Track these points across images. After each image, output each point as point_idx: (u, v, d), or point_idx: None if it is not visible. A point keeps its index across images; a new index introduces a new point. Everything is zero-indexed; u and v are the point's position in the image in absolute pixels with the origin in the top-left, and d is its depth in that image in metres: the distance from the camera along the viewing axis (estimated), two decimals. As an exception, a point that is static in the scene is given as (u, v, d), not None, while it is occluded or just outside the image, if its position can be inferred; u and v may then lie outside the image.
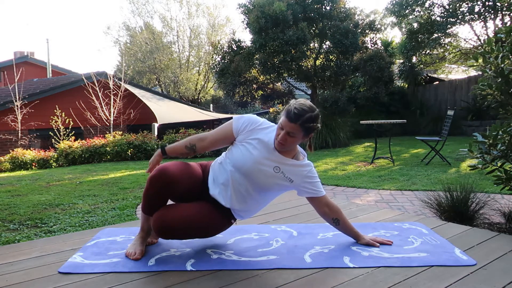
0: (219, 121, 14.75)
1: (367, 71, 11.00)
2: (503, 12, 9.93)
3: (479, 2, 10.13)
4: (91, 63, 53.46)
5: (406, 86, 13.39)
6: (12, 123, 10.22)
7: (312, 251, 1.98)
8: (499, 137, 2.56)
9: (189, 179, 1.91)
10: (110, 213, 3.76)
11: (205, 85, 20.67)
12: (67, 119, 10.00)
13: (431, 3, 11.09)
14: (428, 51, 12.10)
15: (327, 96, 10.58)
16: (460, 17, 10.53)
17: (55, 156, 8.59)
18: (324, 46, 12.25)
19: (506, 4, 9.52)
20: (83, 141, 9.00)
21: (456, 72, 14.72)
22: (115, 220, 3.48)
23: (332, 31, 11.18)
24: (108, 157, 8.69)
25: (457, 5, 10.42)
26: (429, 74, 13.63)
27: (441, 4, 11.06)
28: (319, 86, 12.32)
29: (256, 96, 14.85)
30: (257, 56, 11.57)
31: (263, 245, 2.09)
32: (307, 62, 12.08)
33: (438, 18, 11.00)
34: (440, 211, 3.12)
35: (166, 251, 2.00)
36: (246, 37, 38.16)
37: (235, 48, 12.32)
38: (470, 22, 10.74)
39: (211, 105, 18.12)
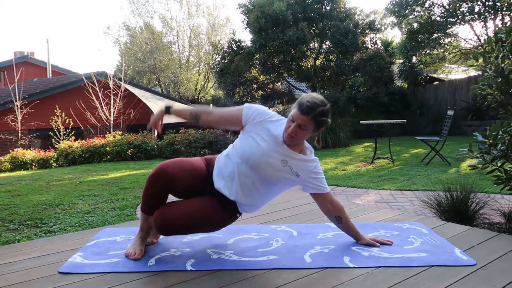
0: (219, 121, 14.73)
1: (367, 71, 11.00)
2: (503, 12, 9.93)
3: (479, 2, 10.13)
4: (91, 63, 53.47)
5: (406, 86, 13.39)
6: (12, 123, 10.22)
7: (312, 251, 1.98)
8: (499, 137, 2.56)
9: (189, 176, 1.89)
10: (110, 213, 3.76)
11: (205, 85, 20.67)
12: (67, 119, 10.00)
13: (431, 3, 11.09)
14: (428, 51, 12.10)
15: (327, 96, 10.58)
16: (460, 17, 10.53)
17: (55, 156, 8.59)
18: (324, 46, 12.26)
19: (506, 4, 9.52)
20: (83, 141, 9.00)
21: (456, 72, 14.73)
22: (115, 220, 3.48)
23: (332, 31, 11.19)
24: (108, 157, 8.69)
25: (457, 5, 10.42)
26: (429, 74, 13.64)
27: (441, 4, 11.06)
28: (319, 86, 12.32)
29: (256, 96, 14.84)
30: (257, 56, 11.57)
31: (263, 245, 2.09)
32: (307, 62, 12.09)
33: (438, 18, 11.00)
34: (440, 211, 3.12)
35: (166, 251, 2.00)
36: (246, 37, 38.16)
37: (235, 48, 12.32)
38: (470, 22, 10.75)
39: (211, 105, 18.10)
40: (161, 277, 1.72)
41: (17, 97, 10.18)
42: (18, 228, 3.30)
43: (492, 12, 10.04)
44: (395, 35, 26.73)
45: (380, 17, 13.46)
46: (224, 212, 1.94)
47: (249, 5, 11.58)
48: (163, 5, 33.17)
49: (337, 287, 1.61)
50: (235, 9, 26.87)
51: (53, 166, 8.35)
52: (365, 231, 2.17)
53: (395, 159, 6.97)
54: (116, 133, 9.73)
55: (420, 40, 11.43)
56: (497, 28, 10.02)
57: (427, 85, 12.89)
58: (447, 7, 10.85)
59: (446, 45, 12.06)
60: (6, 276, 1.73)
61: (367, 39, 12.20)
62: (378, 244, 2.04)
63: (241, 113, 1.91)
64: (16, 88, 10.25)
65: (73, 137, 9.40)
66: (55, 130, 9.87)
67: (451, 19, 10.57)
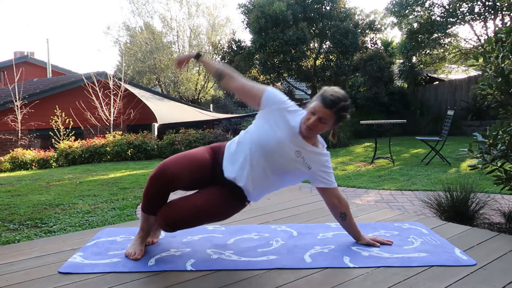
0: (219, 121, 14.76)
1: (367, 71, 11.00)
2: (503, 12, 9.93)
3: (479, 2, 10.13)
4: (91, 63, 53.47)
5: (406, 86, 13.39)
6: (12, 123, 10.22)
7: (312, 251, 1.98)
8: (499, 137, 2.56)
9: (192, 171, 1.86)
10: (110, 213, 3.76)
11: (205, 85, 20.67)
12: (67, 119, 10.00)
13: (431, 3, 11.09)
14: (428, 51, 12.09)
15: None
16: (460, 17, 10.53)
17: (55, 156, 8.59)
18: (324, 46, 12.26)
19: (506, 4, 9.52)
20: (83, 141, 9.00)
21: (456, 72, 14.72)
22: (115, 220, 3.48)
23: (332, 31, 11.19)
24: (108, 157, 8.69)
25: (457, 5, 10.42)
26: (429, 74, 13.63)
27: (441, 4, 11.06)
28: (319, 86, 12.32)
29: (256, 96, 14.78)
30: (257, 56, 11.57)
31: (263, 245, 2.09)
32: (307, 62, 12.09)
33: (438, 18, 11.00)
34: (440, 211, 3.12)
35: (166, 251, 2.00)
36: (246, 37, 38.15)
37: (235, 48, 12.33)
38: (470, 22, 10.75)
39: (211, 105, 18.11)
40: (161, 277, 1.72)
41: (17, 97, 10.18)
42: (18, 228, 3.30)
43: (492, 12, 10.04)
44: (395, 35, 26.76)
45: (380, 17, 13.46)
46: (232, 200, 1.93)
47: (249, 5, 11.58)
48: (163, 5, 33.19)
49: (337, 287, 1.61)
50: (235, 9, 26.88)
51: (53, 166, 8.35)
52: (365, 231, 2.17)
53: (395, 159, 6.97)
54: (116, 133, 9.73)
55: (420, 40, 11.43)
56: (497, 28, 10.02)
57: (427, 85, 12.89)
58: (447, 7, 10.85)
59: (446, 45, 12.05)
60: (6, 276, 1.73)
61: (367, 39, 12.20)
62: (378, 244, 2.04)
63: (262, 94, 1.90)
64: (16, 88, 10.25)
65: (73, 137, 9.40)
66: (55, 130, 9.87)
67: (451, 19, 10.57)
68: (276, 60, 11.18)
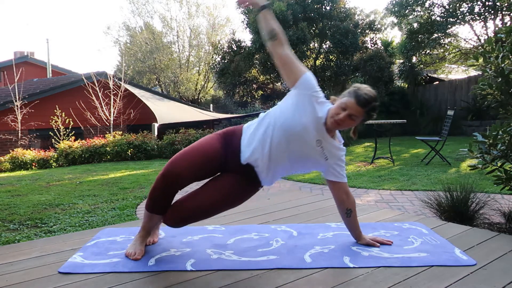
0: (219, 121, 14.76)
1: (367, 71, 11.01)
2: (503, 12, 9.93)
3: (479, 2, 10.13)
4: (91, 63, 53.45)
5: (406, 86, 13.40)
6: (12, 123, 10.21)
7: (312, 251, 1.98)
8: (499, 137, 2.56)
9: (199, 168, 1.85)
10: (110, 213, 3.76)
11: (205, 85, 20.67)
12: (67, 119, 9.99)
13: (431, 3, 11.09)
14: (428, 51, 12.10)
15: (327, 96, 10.59)
16: (460, 17, 10.53)
17: (55, 156, 8.59)
18: (324, 46, 12.27)
19: (506, 4, 9.52)
20: (83, 141, 9.00)
21: (456, 72, 14.72)
22: (115, 220, 3.48)
23: (332, 31, 11.19)
24: (108, 157, 8.69)
25: (457, 5, 10.42)
26: (429, 74, 13.63)
27: (441, 4, 11.06)
28: (319, 85, 12.33)
29: (256, 96, 14.86)
30: (257, 56, 11.58)
31: (263, 245, 2.09)
32: (307, 62, 12.09)
33: (438, 18, 11.00)
34: (440, 211, 3.12)
35: (166, 251, 2.00)
36: (246, 37, 38.13)
37: (235, 48, 12.33)
38: (470, 22, 10.75)
39: (211, 105, 18.12)
40: (161, 277, 1.72)
41: (17, 97, 10.18)
42: (18, 228, 3.30)
43: (492, 12, 10.04)
44: (395, 35, 26.75)
45: (380, 17, 13.47)
46: (245, 186, 1.92)
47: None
48: (163, 5, 33.17)
49: (337, 287, 1.61)
50: (235, 9, 26.86)
51: (53, 166, 8.35)
52: (365, 231, 2.17)
53: (395, 159, 6.97)
54: (116, 133, 9.73)
55: (420, 40, 11.43)
56: (497, 28, 10.02)
57: (427, 85, 12.89)
58: (447, 7, 10.85)
59: (446, 45, 12.05)
60: (6, 276, 1.73)
61: (367, 39, 12.21)
62: (378, 244, 2.04)
63: (302, 75, 1.87)
64: (16, 88, 10.25)
65: (73, 137, 9.40)
66: (55, 130, 9.87)
67: (451, 19, 10.57)
68: (276, 60, 11.17)
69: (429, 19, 11.10)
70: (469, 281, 1.63)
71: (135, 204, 4.10)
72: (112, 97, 10.60)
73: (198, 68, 20.66)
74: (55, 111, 10.16)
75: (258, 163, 1.86)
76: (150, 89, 15.69)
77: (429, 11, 11.22)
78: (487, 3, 9.98)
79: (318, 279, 1.69)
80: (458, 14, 10.51)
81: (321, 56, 12.16)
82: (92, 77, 10.85)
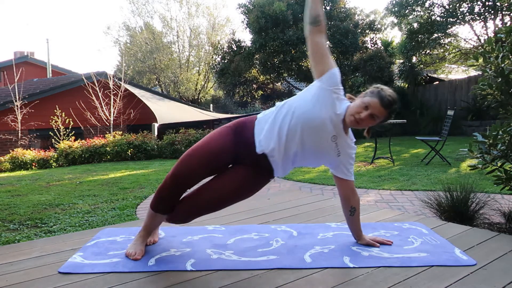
0: (219, 121, 14.75)
1: (367, 71, 11.01)
2: (503, 12, 9.93)
3: (479, 2, 10.13)
4: (91, 63, 53.47)
5: (406, 86, 13.40)
6: (12, 123, 10.21)
7: (312, 251, 1.98)
8: (499, 137, 2.56)
9: (208, 166, 1.85)
10: (110, 213, 3.76)
11: (205, 85, 20.67)
12: (67, 119, 9.99)
13: (431, 3, 11.09)
14: (428, 51, 12.10)
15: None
16: (460, 17, 10.53)
17: (55, 156, 8.59)
18: (324, 46, 12.24)
19: (506, 4, 9.52)
20: (83, 141, 9.00)
21: (456, 72, 14.72)
22: (115, 220, 3.48)
23: (332, 31, 11.19)
24: (108, 157, 8.69)
25: (457, 5, 10.42)
26: (429, 74, 13.63)
27: (441, 4, 11.06)
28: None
29: (256, 96, 14.86)
30: (257, 56, 11.58)
31: (263, 245, 2.09)
32: (307, 62, 12.08)
33: (438, 18, 11.00)
34: (440, 211, 3.12)
35: (166, 251, 2.00)
36: (246, 37, 38.10)
37: (235, 48, 12.33)
38: (470, 22, 10.75)
39: (211, 105, 18.12)
40: (161, 277, 1.72)
41: (17, 97, 10.18)
42: (18, 228, 3.30)
43: (492, 12, 10.04)
44: (395, 35, 26.75)
45: (380, 17, 13.47)
46: (257, 178, 1.92)
47: (249, 5, 11.59)
48: (163, 5, 33.19)
49: (337, 287, 1.61)
50: (235, 9, 26.86)
51: (53, 166, 8.35)
52: (365, 231, 2.17)
53: (395, 159, 6.97)
54: (116, 133, 9.73)
55: (420, 40, 11.43)
56: (497, 28, 10.02)
57: (427, 85, 12.88)
58: (447, 7, 10.85)
59: (446, 45, 12.05)
60: (6, 276, 1.73)
61: (367, 39, 12.21)
62: (378, 244, 2.04)
63: (331, 68, 1.85)
64: (16, 88, 10.25)
65: (73, 137, 9.40)
66: (55, 130, 9.87)
67: (451, 19, 10.57)
68: (276, 60, 11.19)
69: (429, 19, 11.10)
70: (469, 281, 1.63)
71: (135, 204, 4.10)
72: (112, 97, 10.60)
73: (198, 68, 20.66)
74: (55, 111, 10.16)
75: (274, 153, 1.84)
76: (150, 89, 15.69)
77: (429, 11, 11.22)
78: (487, 3, 9.98)
79: (318, 279, 1.68)
80: (458, 14, 10.51)
81: (321, 56, 12.14)
82: (92, 77, 10.85)
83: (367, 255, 1.92)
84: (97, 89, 10.61)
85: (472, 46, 11.63)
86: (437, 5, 11.12)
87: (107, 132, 10.19)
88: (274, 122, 1.85)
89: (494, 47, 2.69)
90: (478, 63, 2.88)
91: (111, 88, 10.62)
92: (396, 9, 11.38)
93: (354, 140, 1.99)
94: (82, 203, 4.21)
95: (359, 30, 11.59)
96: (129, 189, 4.98)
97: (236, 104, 18.49)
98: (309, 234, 2.25)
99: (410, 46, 11.65)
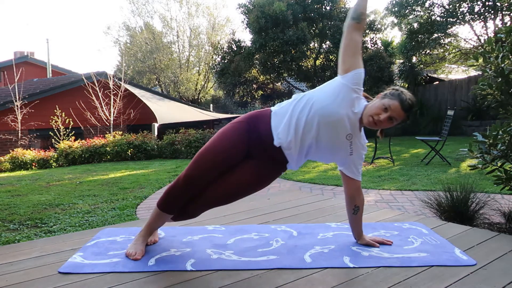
0: (219, 121, 14.75)
1: (367, 71, 10.96)
2: (503, 12, 9.94)
3: (479, 2, 10.13)
4: (91, 63, 53.46)
5: (406, 86, 13.39)
6: (12, 123, 10.21)
7: (312, 251, 1.98)
8: (499, 137, 2.56)
9: (224, 166, 1.85)
10: (110, 213, 3.76)
11: (205, 85, 20.67)
12: (67, 119, 9.99)
13: (431, 3, 11.09)
14: (428, 51, 12.10)
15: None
16: (460, 17, 10.54)
17: (55, 156, 8.59)
18: (324, 46, 12.27)
19: (506, 4, 9.52)
20: (83, 141, 9.00)
21: (456, 72, 14.73)
22: (115, 220, 3.48)
23: (332, 31, 11.19)
24: (108, 157, 8.69)
25: (457, 5, 10.43)
26: (429, 74, 13.64)
27: (441, 4, 11.07)
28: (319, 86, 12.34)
29: (256, 96, 14.86)
30: (257, 56, 11.58)
31: (263, 245, 2.09)
32: (307, 62, 12.09)
33: (438, 18, 11.01)
34: (440, 211, 3.12)
35: (166, 251, 2.00)
36: (246, 37, 38.11)
37: (235, 48, 12.33)
38: (470, 22, 10.75)
39: (211, 105, 18.11)
40: (161, 277, 1.72)
41: (17, 97, 10.18)
42: (18, 228, 3.30)
43: (492, 12, 10.04)
44: (395, 35, 26.72)
45: (380, 17, 13.47)
46: (271, 171, 1.92)
47: (249, 5, 11.58)
48: (163, 5, 33.17)
49: (337, 287, 1.61)
50: (235, 9, 26.85)
51: (53, 166, 8.35)
52: (365, 231, 2.17)
53: (395, 159, 6.97)
54: (116, 133, 9.73)
55: (420, 40, 11.43)
56: (497, 28, 10.02)
57: (427, 85, 12.89)
58: (447, 7, 10.85)
59: (446, 45, 12.06)
60: (6, 276, 1.73)
61: (367, 39, 12.21)
62: (378, 244, 2.04)
63: (358, 67, 1.84)
64: (16, 88, 10.25)
65: (73, 137, 9.40)
66: (55, 130, 9.87)
67: (451, 19, 10.57)
68: (276, 60, 11.19)
69: (429, 19, 11.10)
70: (469, 281, 1.63)
71: (135, 204, 4.10)
72: (112, 97, 10.60)
73: (198, 68, 20.65)
74: (55, 111, 10.15)
75: (291, 145, 1.83)
76: (150, 89, 15.69)
77: (429, 11, 11.22)
78: (487, 3, 9.98)
79: (318, 279, 1.68)
80: (458, 14, 10.51)
81: (321, 56, 12.16)
82: (92, 77, 10.85)
83: (367, 255, 1.92)
84: (97, 89, 10.61)
85: (472, 46, 11.63)
86: (437, 5, 11.13)
87: (107, 132, 10.19)
88: (292, 114, 1.84)
89: (494, 47, 2.69)
90: (478, 63, 2.88)
91: (111, 88, 10.62)
92: (396, 9, 11.38)
93: (366, 141, 1.99)
94: (82, 203, 4.21)
95: (359, 30, 11.59)
96: (129, 189, 4.98)
97: (236, 104, 18.48)
98: (309, 234, 2.25)
99: (410, 46, 11.66)
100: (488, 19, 10.38)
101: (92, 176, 6.25)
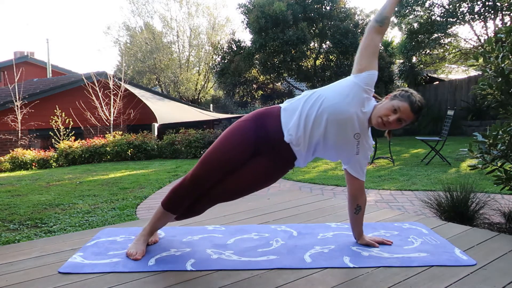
0: (219, 121, 14.75)
1: (367, 71, 11.00)
2: (503, 12, 9.94)
3: (479, 2, 10.13)
4: (91, 63, 53.47)
5: (406, 86, 13.40)
6: (12, 123, 10.21)
7: (312, 251, 1.98)
8: (499, 137, 2.56)
9: (231, 165, 1.84)
10: (110, 213, 3.76)
11: (205, 85, 20.67)
12: (67, 119, 9.99)
13: (431, 3, 11.09)
14: (428, 51, 12.10)
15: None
16: (460, 17, 10.54)
17: (55, 156, 8.59)
18: (324, 46, 12.27)
19: (506, 4, 9.52)
20: (83, 141, 9.00)
21: (456, 72, 14.73)
22: (115, 220, 3.48)
23: (332, 31, 11.19)
24: (108, 157, 8.68)
25: (457, 5, 10.43)
26: (429, 74, 13.64)
27: (441, 4, 11.07)
28: (319, 86, 12.33)
29: (256, 96, 14.86)
30: (257, 56, 11.58)
31: (263, 245, 2.09)
32: (307, 62, 12.09)
33: (438, 18, 11.01)
34: (440, 211, 3.12)
35: (166, 251, 2.00)
36: (246, 37, 38.12)
37: (235, 48, 12.33)
38: (470, 22, 10.75)
39: (211, 105, 18.11)
40: (161, 277, 1.72)
41: (17, 97, 10.18)
42: (18, 228, 3.30)
43: (492, 12, 10.04)
44: (395, 35, 26.66)
45: (380, 17, 13.43)
46: (277, 169, 1.92)
47: (249, 5, 11.58)
48: (163, 5, 33.19)
49: (337, 287, 1.61)
50: (235, 9, 26.86)
51: (53, 166, 8.35)
52: (365, 231, 2.17)
53: (395, 159, 6.97)
54: (116, 133, 9.73)
55: (420, 40, 11.43)
56: (497, 28, 10.02)
57: (427, 85, 12.89)
58: (447, 7, 10.85)
59: (446, 45, 12.06)
60: (6, 276, 1.73)
61: (367, 39, 12.19)
62: (377, 245, 2.04)
63: (369, 68, 1.87)
64: (16, 88, 10.25)
65: (73, 137, 9.40)
66: (55, 130, 9.87)
67: (451, 19, 10.57)
68: (276, 60, 11.19)
69: (429, 19, 11.10)
70: (469, 281, 1.63)
71: (135, 204, 4.10)
72: (112, 97, 10.60)
73: (198, 68, 20.65)
74: (55, 111, 10.15)
75: (300, 141, 1.82)
76: (150, 89, 15.68)
77: (429, 11, 11.22)
78: (487, 3, 9.98)
79: (318, 279, 1.69)
80: (458, 14, 10.52)
81: (321, 56, 12.16)
82: (92, 77, 10.85)
83: (367, 255, 1.92)
84: (97, 89, 10.61)
85: (472, 46, 11.63)
86: (437, 5, 11.13)
87: (107, 132, 10.19)
88: (302, 110, 1.84)
89: (494, 47, 2.69)
90: (478, 63, 2.88)
91: (111, 88, 10.61)
92: (396, 9, 11.37)
93: (373, 143, 1.99)
94: (82, 203, 4.21)
95: (359, 30, 11.59)
96: (129, 189, 4.98)
97: (236, 104, 18.47)
98: (309, 234, 2.25)
99: (410, 46, 11.66)
100: (488, 19, 10.39)
101: (92, 176, 6.25)
